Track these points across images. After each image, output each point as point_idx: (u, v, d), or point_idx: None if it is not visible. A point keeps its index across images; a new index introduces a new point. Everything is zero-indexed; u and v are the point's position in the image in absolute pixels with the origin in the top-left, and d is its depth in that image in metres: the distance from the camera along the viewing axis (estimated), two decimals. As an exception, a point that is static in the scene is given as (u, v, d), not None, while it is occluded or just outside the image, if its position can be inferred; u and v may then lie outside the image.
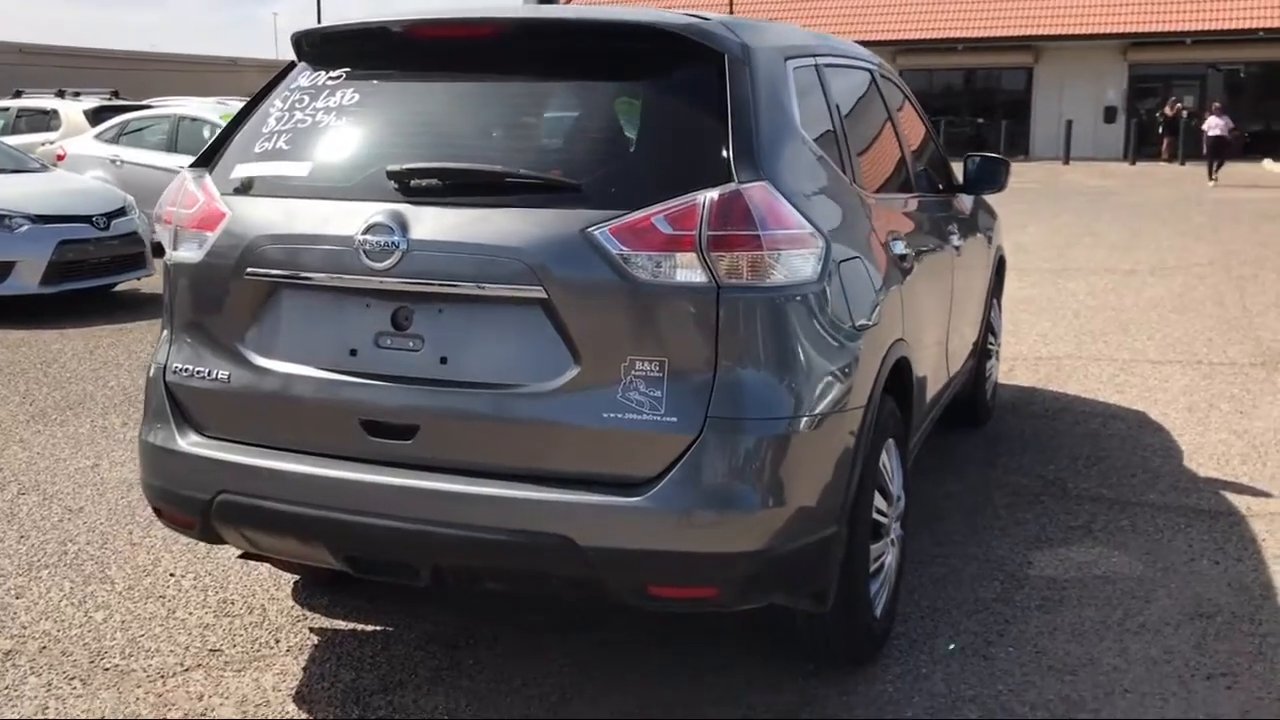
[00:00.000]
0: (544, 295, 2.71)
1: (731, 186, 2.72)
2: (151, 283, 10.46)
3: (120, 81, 30.85)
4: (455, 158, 2.91)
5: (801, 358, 2.79)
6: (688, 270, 2.69)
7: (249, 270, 2.98)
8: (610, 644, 3.60)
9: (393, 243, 2.80)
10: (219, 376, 3.06)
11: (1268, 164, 28.51)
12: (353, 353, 2.91)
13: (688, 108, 2.86)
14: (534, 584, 2.95)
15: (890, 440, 3.38)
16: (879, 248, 3.42)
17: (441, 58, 3.10)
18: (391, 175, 2.86)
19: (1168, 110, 32.09)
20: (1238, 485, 5.10)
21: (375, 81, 3.10)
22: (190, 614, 3.80)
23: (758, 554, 2.73)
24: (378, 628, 3.72)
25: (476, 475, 2.80)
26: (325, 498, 2.89)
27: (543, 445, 2.77)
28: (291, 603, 3.89)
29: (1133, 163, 30.96)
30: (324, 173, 3.03)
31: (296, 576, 4.04)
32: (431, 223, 2.80)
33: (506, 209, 2.79)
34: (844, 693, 3.27)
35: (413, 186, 2.85)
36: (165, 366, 3.19)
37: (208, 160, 3.24)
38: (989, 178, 4.98)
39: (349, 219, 2.87)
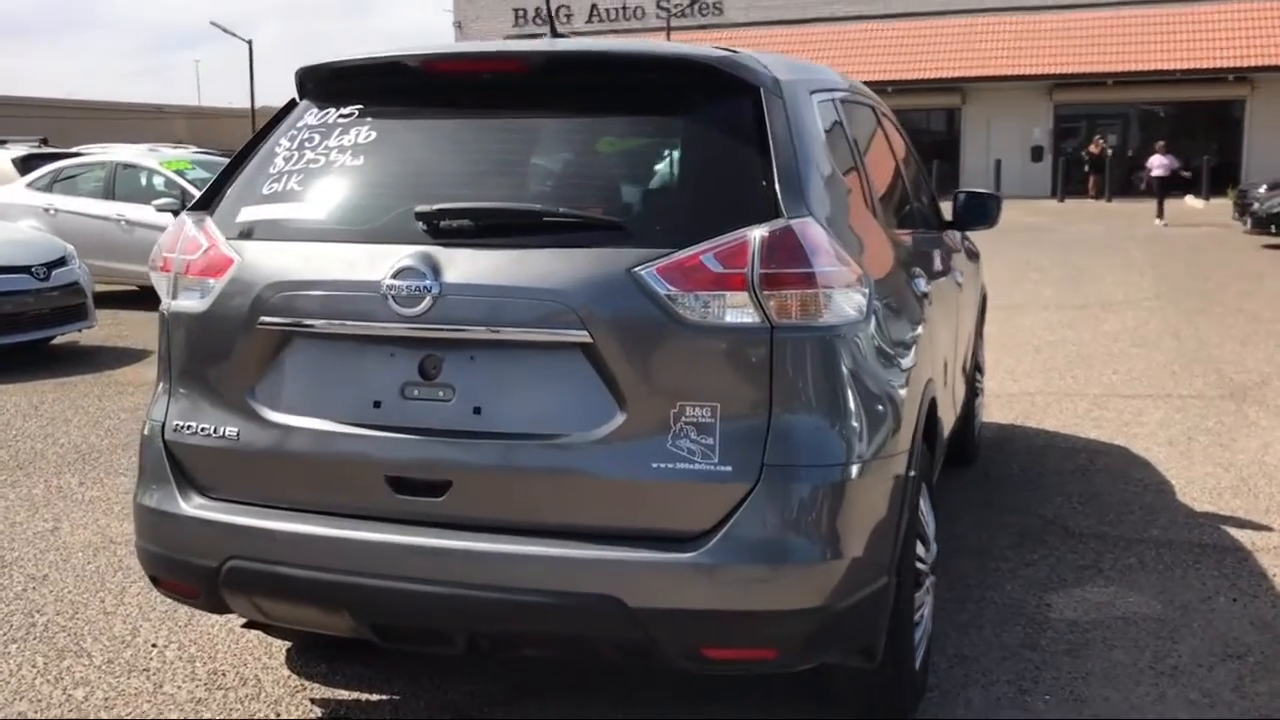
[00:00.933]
0: (588, 339, 2.56)
1: (781, 222, 2.59)
2: (93, 335, 10.09)
3: (44, 129, 30.16)
4: (484, 197, 2.74)
5: (852, 400, 2.66)
6: (738, 310, 2.55)
7: (262, 319, 2.79)
8: (635, 704, 3.41)
9: (423, 287, 2.62)
10: (226, 434, 2.85)
11: (1190, 200, 29.23)
12: (376, 404, 2.73)
13: (727, 142, 2.73)
14: (578, 649, 2.76)
15: (923, 484, 3.27)
16: (906, 285, 3.32)
17: (463, 93, 2.94)
18: (420, 216, 2.69)
19: (1093, 148, 32.85)
20: (1235, 519, 5.07)
21: (392, 119, 2.93)
22: (179, 688, 3.54)
23: (816, 611, 2.58)
24: (383, 696, 3.49)
25: (514, 533, 2.62)
26: (348, 561, 2.69)
27: (587, 499, 2.60)
28: (287, 672, 3.65)
29: (1061, 200, 31.58)
30: (343, 215, 2.86)
31: (289, 643, 3.80)
32: (465, 265, 2.64)
33: (544, 249, 2.63)
34: (889, 751, 3.12)
35: (442, 228, 2.68)
36: (164, 424, 2.98)
37: (207, 203, 3.05)
38: (980, 213, 4.92)
39: (374, 263, 2.69)
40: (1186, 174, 27.96)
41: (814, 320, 2.58)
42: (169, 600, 3.37)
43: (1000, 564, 4.54)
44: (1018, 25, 35.45)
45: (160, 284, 3.05)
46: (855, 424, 2.66)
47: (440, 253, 2.65)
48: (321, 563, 2.71)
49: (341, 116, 2.95)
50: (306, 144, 2.94)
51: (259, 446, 2.82)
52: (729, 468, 2.54)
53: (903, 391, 2.94)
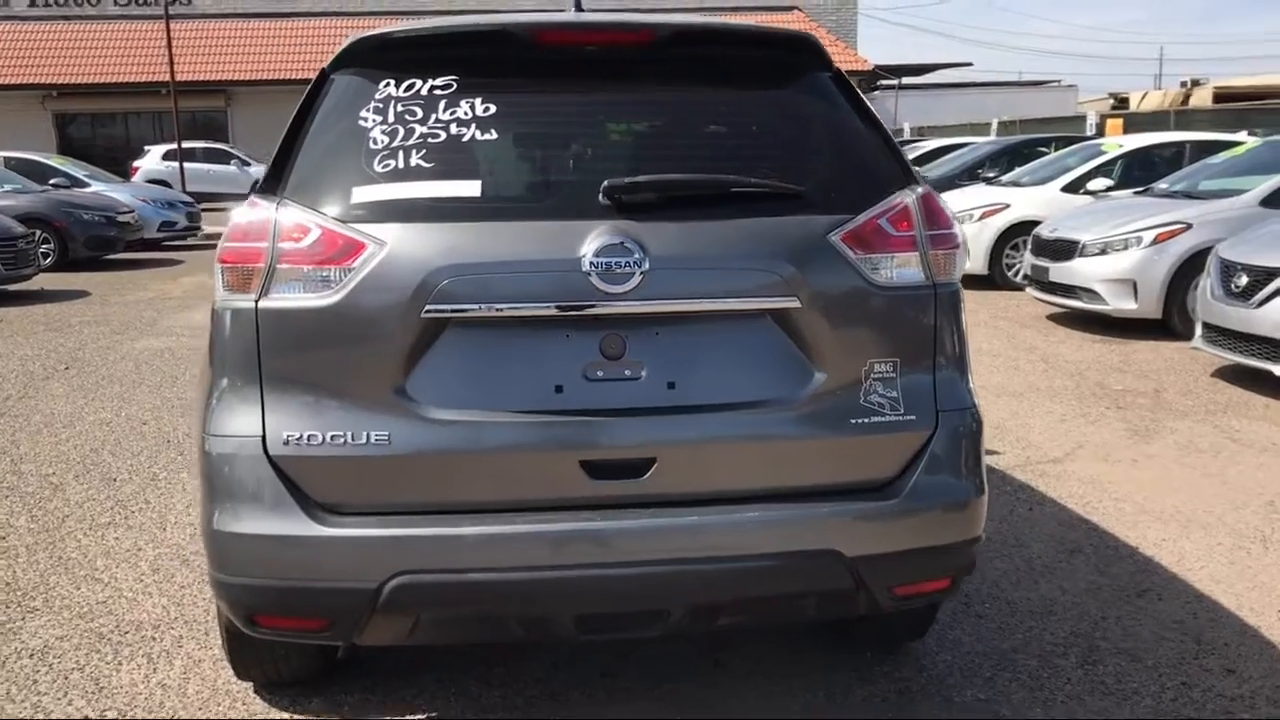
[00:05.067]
0: (796, 305, 2.63)
1: (918, 189, 2.83)
2: None
3: None
4: (644, 170, 2.67)
5: (969, 349, 2.96)
6: (909, 270, 2.76)
7: (429, 308, 2.52)
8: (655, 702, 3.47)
9: (632, 262, 2.54)
10: (373, 439, 2.55)
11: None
12: (558, 389, 2.59)
13: (843, 115, 2.89)
14: (784, 608, 2.82)
15: None
16: None
17: (574, 64, 2.81)
18: (611, 191, 2.58)
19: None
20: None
21: (505, 91, 2.73)
22: None
23: (976, 540, 2.86)
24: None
25: (723, 502, 2.63)
26: (549, 557, 2.54)
27: (793, 460, 2.68)
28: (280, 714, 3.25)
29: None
30: (506, 192, 2.66)
31: (249, 683, 3.38)
32: (670, 239, 2.58)
33: (740, 220, 2.65)
34: None
35: (627, 202, 2.59)
36: (262, 438, 2.58)
37: (275, 187, 2.67)
38: None
39: (568, 240, 2.55)
40: None
41: (950, 277, 2.85)
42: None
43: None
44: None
45: (230, 278, 2.62)
46: (970, 370, 2.96)
47: (640, 227, 2.57)
48: (521, 562, 2.53)
49: (438, 89, 2.71)
50: (408, 118, 2.67)
51: (420, 448, 2.55)
52: (913, 416, 2.74)
53: None
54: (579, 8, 3.26)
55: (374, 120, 2.69)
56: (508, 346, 2.60)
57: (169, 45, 26.42)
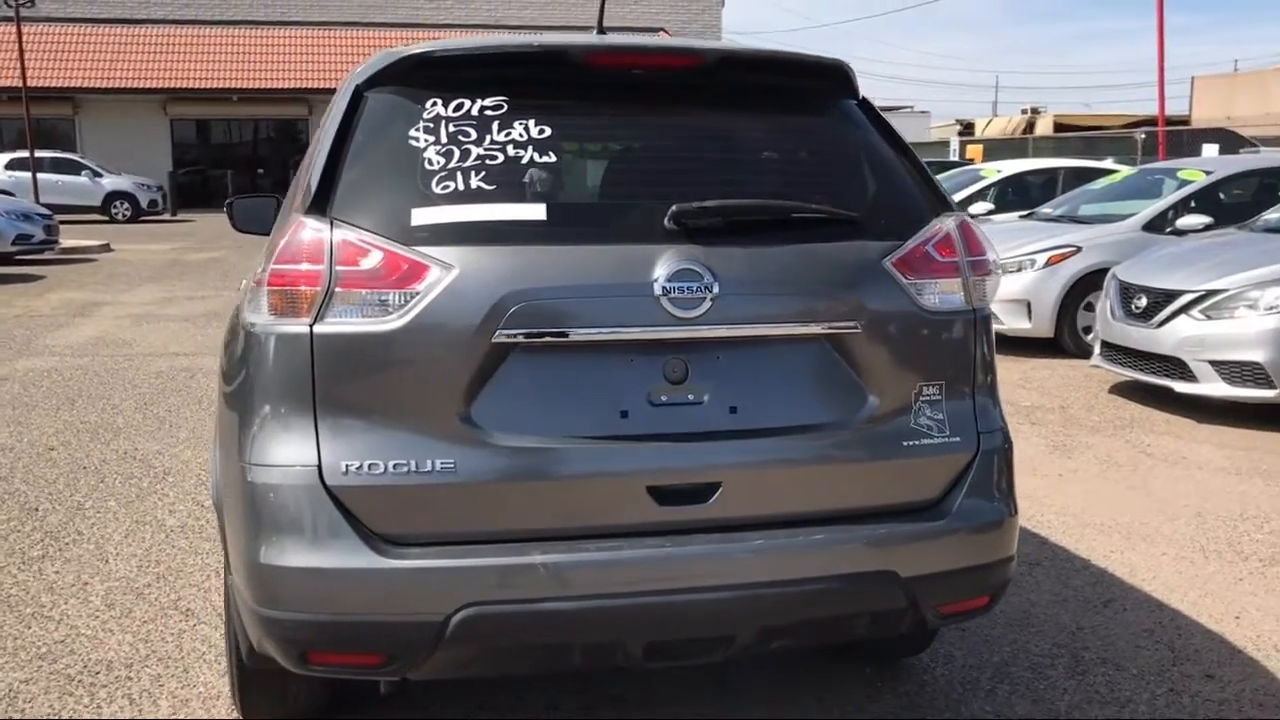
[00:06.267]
0: (856, 329, 2.67)
1: (955, 215, 2.90)
2: None
3: None
4: (705, 195, 2.66)
5: (998, 372, 3.04)
6: (953, 296, 2.82)
7: (501, 333, 2.47)
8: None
9: (703, 286, 2.53)
10: (437, 466, 2.47)
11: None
12: (624, 414, 2.56)
13: (877, 141, 2.95)
14: (840, 629, 2.83)
15: None
16: None
17: (629, 88, 2.79)
18: (680, 215, 2.57)
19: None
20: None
21: (558, 114, 2.69)
22: None
23: (1012, 559, 2.93)
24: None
25: (785, 526, 2.64)
26: (620, 584, 2.51)
27: (852, 483, 2.71)
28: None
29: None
30: (569, 215, 2.61)
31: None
32: (738, 264, 2.58)
33: (802, 245, 2.67)
34: None
35: (692, 227, 2.59)
36: (318, 468, 2.48)
37: (323, 207, 2.57)
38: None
39: (638, 265, 2.53)
40: None
41: (984, 303, 2.93)
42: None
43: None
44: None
45: (276, 301, 2.52)
46: (999, 393, 3.04)
47: (707, 251, 2.57)
48: (592, 590, 2.49)
49: (488, 109, 2.67)
50: (462, 139, 2.61)
51: (486, 476, 2.48)
52: (958, 438, 2.80)
53: None
54: (601, 30, 3.24)
55: (426, 140, 2.63)
56: (572, 371, 2.57)
57: (19, 48, 25.15)
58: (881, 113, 3.05)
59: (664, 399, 2.60)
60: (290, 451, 2.51)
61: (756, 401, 2.65)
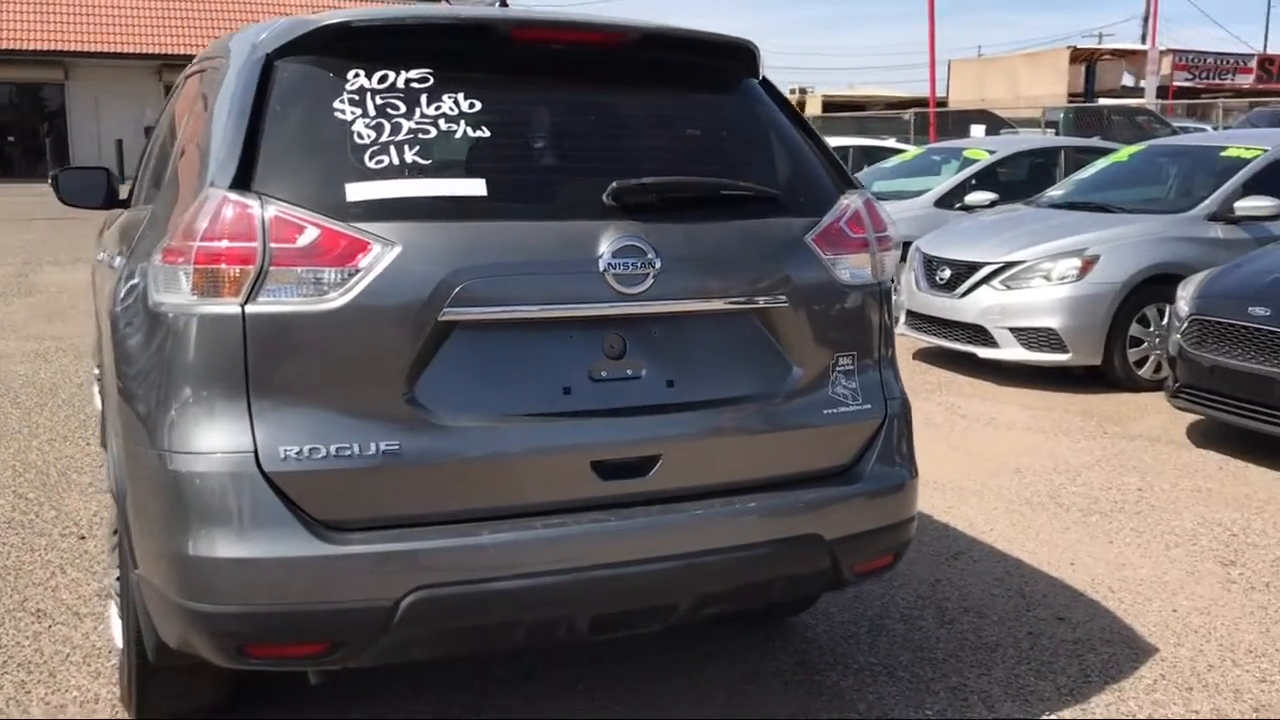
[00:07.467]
0: (786, 304, 2.75)
1: (860, 192, 3.03)
2: None
3: None
4: (634, 171, 2.68)
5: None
6: (863, 270, 2.95)
7: (446, 311, 2.42)
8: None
9: (647, 263, 2.56)
10: (381, 449, 2.41)
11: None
12: (566, 390, 2.57)
13: (782, 119, 3.03)
14: (767, 592, 2.91)
15: None
16: None
17: (547, 62, 2.76)
18: (620, 192, 2.57)
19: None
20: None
21: (485, 87, 2.63)
22: None
23: (914, 519, 3.10)
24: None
25: (717, 495, 2.71)
26: (567, 559, 2.53)
27: (781, 451, 2.80)
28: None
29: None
30: (507, 191, 2.56)
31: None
32: (677, 240, 2.62)
33: (734, 222, 2.73)
34: None
35: (632, 204, 2.60)
36: (254, 454, 2.37)
37: (244, 181, 2.45)
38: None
39: (583, 242, 2.52)
40: None
41: (885, 277, 3.07)
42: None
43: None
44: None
45: (200, 281, 2.39)
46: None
47: (649, 228, 2.59)
48: (540, 567, 2.49)
49: (415, 81, 2.59)
50: (391, 111, 2.54)
51: (432, 457, 2.44)
52: (869, 406, 2.94)
53: None
54: (503, 3, 3.20)
55: (354, 113, 2.54)
56: (514, 349, 2.55)
57: None
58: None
59: (604, 374, 2.62)
60: (219, 439, 2.39)
61: (691, 375, 2.71)
